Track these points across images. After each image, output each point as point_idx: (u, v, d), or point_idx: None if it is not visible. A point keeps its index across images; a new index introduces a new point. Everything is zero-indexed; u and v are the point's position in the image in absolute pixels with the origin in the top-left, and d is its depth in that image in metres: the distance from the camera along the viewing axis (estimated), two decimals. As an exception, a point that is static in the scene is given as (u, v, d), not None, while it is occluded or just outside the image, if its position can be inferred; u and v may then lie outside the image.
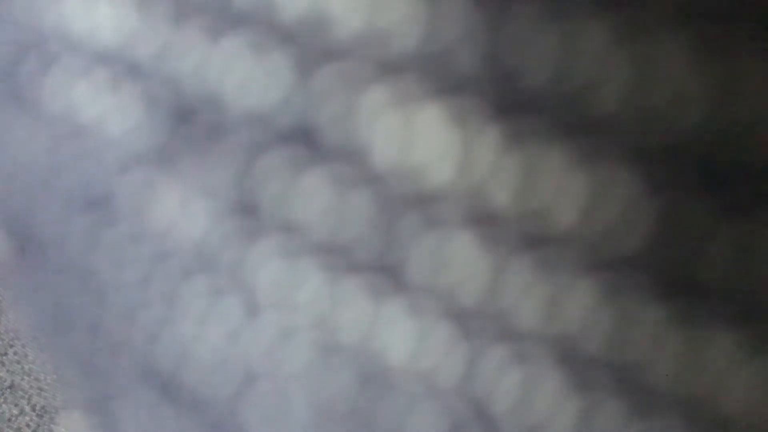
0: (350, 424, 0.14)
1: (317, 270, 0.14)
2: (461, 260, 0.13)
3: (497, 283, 0.13)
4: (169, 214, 0.15)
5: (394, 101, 0.13)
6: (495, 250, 0.13)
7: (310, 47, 0.14)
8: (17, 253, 0.19)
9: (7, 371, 0.59)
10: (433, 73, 0.13)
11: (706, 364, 0.12)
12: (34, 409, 0.59)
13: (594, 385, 0.12)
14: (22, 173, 0.18)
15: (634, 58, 0.12)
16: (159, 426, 0.17)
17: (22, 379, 0.59)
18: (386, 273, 0.13)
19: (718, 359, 0.12)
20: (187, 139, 0.15)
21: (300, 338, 0.14)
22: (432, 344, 0.13)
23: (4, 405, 0.59)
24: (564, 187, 0.12)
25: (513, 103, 0.12)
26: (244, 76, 0.14)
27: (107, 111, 0.16)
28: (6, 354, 0.59)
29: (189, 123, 0.15)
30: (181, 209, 0.15)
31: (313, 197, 0.14)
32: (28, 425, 0.58)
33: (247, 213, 0.14)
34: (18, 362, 0.59)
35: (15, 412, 0.59)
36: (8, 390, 0.59)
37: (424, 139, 0.13)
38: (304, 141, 0.13)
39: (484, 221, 0.13)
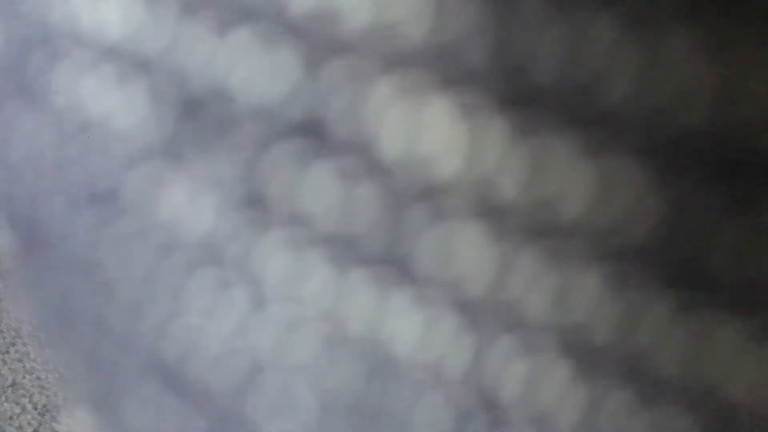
0: (357, 416, 0.14)
1: (324, 262, 0.14)
2: (468, 252, 0.13)
3: (505, 273, 0.13)
4: (176, 207, 0.15)
5: (402, 94, 0.13)
6: (502, 242, 0.13)
7: (318, 40, 0.14)
8: (21, 248, 0.19)
9: (9, 369, 0.59)
10: (440, 66, 0.13)
11: (713, 353, 0.12)
12: (35, 408, 0.59)
13: (601, 374, 0.13)
14: (29, 168, 0.18)
15: (641, 51, 0.12)
16: (164, 419, 0.17)
17: (24, 378, 0.59)
18: (393, 265, 0.14)
19: (725, 348, 0.12)
20: (195, 132, 0.15)
21: (307, 330, 0.14)
22: (439, 335, 0.13)
23: (5, 403, 0.59)
24: (571, 179, 0.12)
25: (520, 95, 0.12)
26: (251, 69, 0.14)
27: (114, 105, 0.16)
28: (8, 352, 0.59)
29: (196, 116, 0.15)
30: (188, 202, 0.15)
31: (320, 189, 0.14)
32: (29, 423, 0.58)
33: (255, 205, 0.14)
34: (20, 360, 0.59)
35: (17, 410, 0.59)
36: (10, 388, 0.59)
37: (431, 131, 0.13)
38: (312, 134, 0.14)
39: (491, 213, 0.13)
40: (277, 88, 0.14)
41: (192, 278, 0.16)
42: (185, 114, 0.15)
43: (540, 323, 0.13)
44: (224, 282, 0.15)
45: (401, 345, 0.14)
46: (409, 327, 0.14)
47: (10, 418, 0.60)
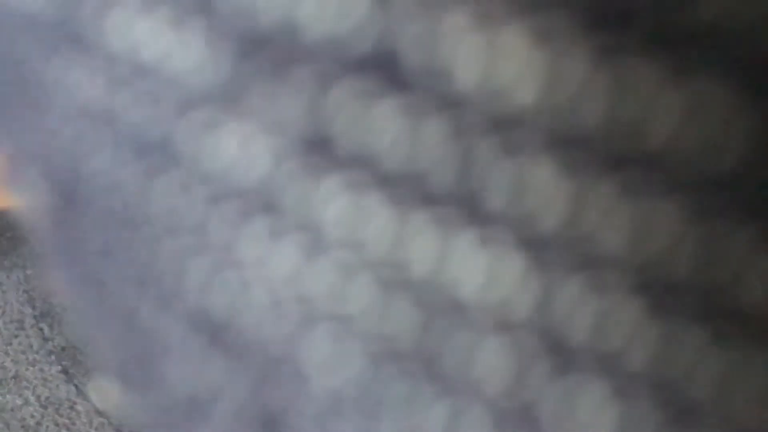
0: (414, 363, 0.14)
1: (386, 204, 0.14)
2: (541, 186, 0.13)
3: (578, 208, 0.13)
4: (230, 153, 0.15)
5: (478, 21, 0.13)
6: (578, 175, 0.12)
7: None
8: (60, 206, 0.19)
9: (12, 361, 0.59)
10: None
11: None
12: (38, 400, 0.59)
13: (676, 310, 0.12)
14: (72, 121, 0.18)
15: None
16: (208, 378, 0.17)
17: (27, 370, 0.59)
18: (459, 204, 0.13)
19: None
20: (254, 72, 0.14)
21: (364, 276, 0.14)
22: (506, 276, 0.13)
23: (8, 395, 0.58)
24: (657, 104, 0.12)
25: (602, 18, 0.12)
26: (319, 0, 0.14)
27: (169, 48, 0.15)
28: (11, 344, 0.59)
29: (257, 55, 0.14)
30: (243, 148, 0.15)
31: (388, 126, 0.13)
32: (32, 416, 0.58)
33: (315, 148, 0.14)
34: (23, 352, 0.59)
35: (19, 402, 0.59)
36: (13, 380, 0.59)
37: (508, 59, 0.13)
38: (382, 68, 0.13)
39: (567, 144, 0.12)
40: (347, 19, 0.14)
41: (244, 227, 0.15)
42: (245, 53, 0.14)
43: (613, 260, 0.13)
44: (278, 230, 0.15)
45: (465, 287, 0.14)
46: (474, 268, 0.13)
47: (12, 410, 0.60)
